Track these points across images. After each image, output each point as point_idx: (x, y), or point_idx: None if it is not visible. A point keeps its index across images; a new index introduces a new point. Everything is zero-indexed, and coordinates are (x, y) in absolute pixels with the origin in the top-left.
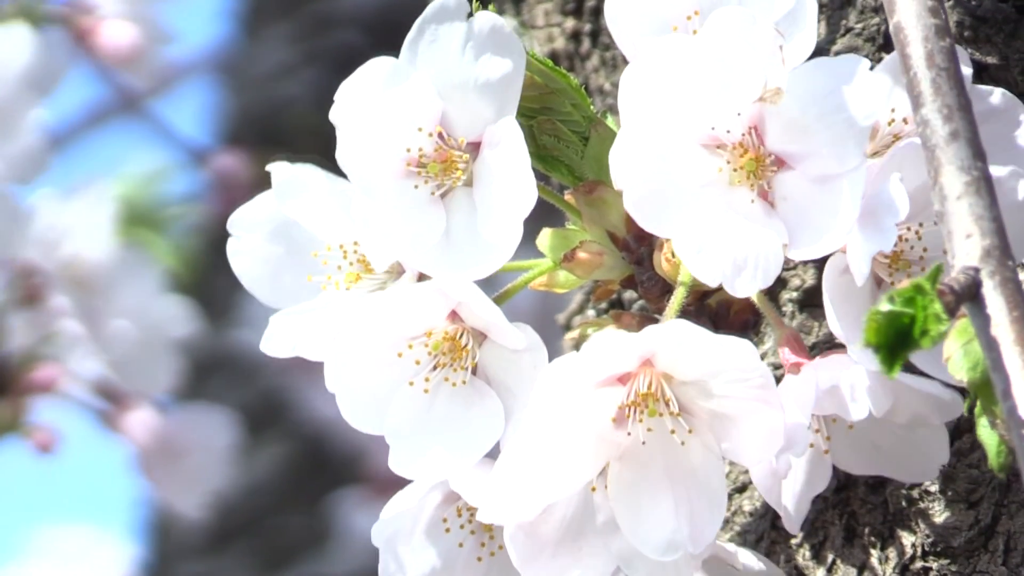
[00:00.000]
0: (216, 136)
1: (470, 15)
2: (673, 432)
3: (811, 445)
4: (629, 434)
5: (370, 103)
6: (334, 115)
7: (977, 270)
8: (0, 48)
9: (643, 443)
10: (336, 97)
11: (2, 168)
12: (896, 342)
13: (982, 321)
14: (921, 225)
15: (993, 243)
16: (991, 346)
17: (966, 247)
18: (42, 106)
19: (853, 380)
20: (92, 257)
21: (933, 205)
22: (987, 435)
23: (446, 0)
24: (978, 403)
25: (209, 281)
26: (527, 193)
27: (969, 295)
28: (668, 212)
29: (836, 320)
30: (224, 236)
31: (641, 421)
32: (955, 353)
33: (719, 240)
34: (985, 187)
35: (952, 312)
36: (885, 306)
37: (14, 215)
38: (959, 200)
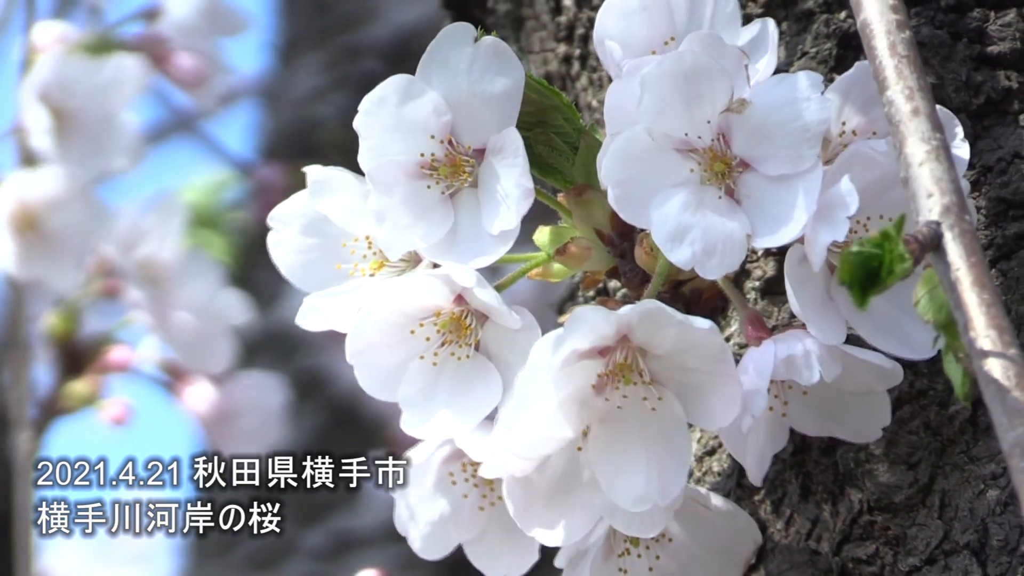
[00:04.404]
0: (258, 151)
1: (476, 39)
2: (645, 399)
3: (771, 409)
4: (607, 400)
5: (389, 113)
6: (357, 124)
7: (939, 223)
8: (106, 72)
9: (619, 408)
10: (359, 108)
11: (92, 173)
12: (866, 280)
13: (944, 268)
14: (868, 219)
15: (952, 200)
16: (953, 288)
17: (928, 204)
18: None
19: (807, 350)
20: (163, 258)
21: (888, 191)
22: (953, 369)
23: (455, 27)
24: (945, 343)
25: (254, 273)
26: (526, 194)
27: (932, 245)
28: (646, 207)
29: (796, 301)
30: (265, 236)
31: (618, 389)
32: (923, 298)
33: (691, 230)
34: (944, 154)
35: (917, 261)
36: (856, 248)
37: (100, 215)
38: (921, 166)
